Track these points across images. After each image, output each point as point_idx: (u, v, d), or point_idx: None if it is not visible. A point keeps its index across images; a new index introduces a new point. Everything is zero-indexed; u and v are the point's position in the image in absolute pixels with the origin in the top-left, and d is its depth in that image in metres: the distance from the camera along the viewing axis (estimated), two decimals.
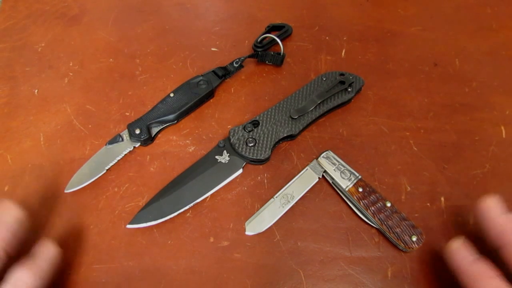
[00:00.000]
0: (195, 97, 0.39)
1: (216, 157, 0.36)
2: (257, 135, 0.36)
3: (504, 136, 0.38)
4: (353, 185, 0.34)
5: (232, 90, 0.42)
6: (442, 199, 0.34)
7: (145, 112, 0.39)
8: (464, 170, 0.36)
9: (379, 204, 0.33)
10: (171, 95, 0.39)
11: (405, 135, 0.38)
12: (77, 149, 0.38)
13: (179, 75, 0.43)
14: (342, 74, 0.40)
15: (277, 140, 0.36)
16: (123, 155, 0.37)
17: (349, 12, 0.48)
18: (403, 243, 0.31)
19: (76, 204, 0.35)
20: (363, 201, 0.33)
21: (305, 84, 0.40)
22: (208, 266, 0.32)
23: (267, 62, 0.43)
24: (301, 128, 0.37)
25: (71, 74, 0.44)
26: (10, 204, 0.26)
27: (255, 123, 0.37)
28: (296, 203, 0.34)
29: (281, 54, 0.42)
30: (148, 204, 0.34)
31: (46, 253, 0.26)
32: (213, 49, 0.45)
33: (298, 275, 0.31)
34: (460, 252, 0.26)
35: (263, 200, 0.35)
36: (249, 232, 0.33)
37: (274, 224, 0.33)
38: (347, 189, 0.34)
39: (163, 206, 0.33)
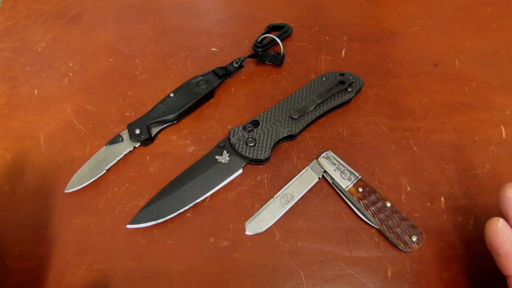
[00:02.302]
0: (195, 97, 0.39)
1: (216, 157, 0.36)
2: (257, 135, 0.36)
3: (504, 136, 0.38)
4: (353, 185, 0.34)
5: (232, 90, 0.42)
6: (442, 199, 0.34)
7: (145, 112, 0.39)
8: (464, 170, 0.36)
9: (379, 204, 0.33)
10: (171, 95, 0.39)
11: (405, 135, 0.38)
12: (77, 149, 0.38)
13: (179, 75, 0.43)
14: (342, 74, 0.40)
15: (277, 140, 0.36)
16: (123, 155, 0.37)
17: (349, 12, 0.48)
18: (403, 243, 0.31)
19: (76, 204, 0.35)
20: (363, 201, 0.33)
21: (305, 84, 0.40)
22: (208, 266, 0.32)
23: (267, 62, 0.43)
24: (301, 128, 0.37)
25: (71, 74, 0.44)
26: None
27: (255, 123, 0.37)
28: (296, 203, 0.34)
29: (281, 54, 0.42)
30: (148, 204, 0.34)
31: None
32: (213, 49, 0.45)
33: (298, 275, 0.31)
34: (503, 233, 0.23)
35: (263, 200, 0.35)
36: (249, 232, 0.33)
37: (274, 224, 0.33)
38: (347, 189, 0.34)
39: (163, 206, 0.33)
